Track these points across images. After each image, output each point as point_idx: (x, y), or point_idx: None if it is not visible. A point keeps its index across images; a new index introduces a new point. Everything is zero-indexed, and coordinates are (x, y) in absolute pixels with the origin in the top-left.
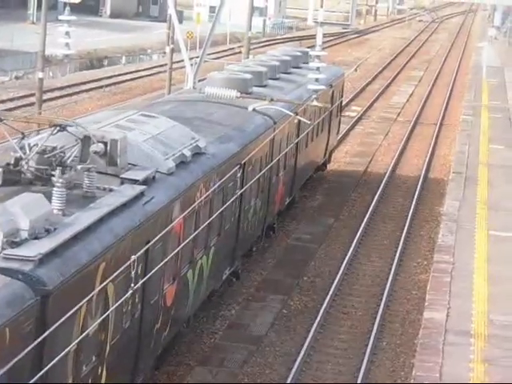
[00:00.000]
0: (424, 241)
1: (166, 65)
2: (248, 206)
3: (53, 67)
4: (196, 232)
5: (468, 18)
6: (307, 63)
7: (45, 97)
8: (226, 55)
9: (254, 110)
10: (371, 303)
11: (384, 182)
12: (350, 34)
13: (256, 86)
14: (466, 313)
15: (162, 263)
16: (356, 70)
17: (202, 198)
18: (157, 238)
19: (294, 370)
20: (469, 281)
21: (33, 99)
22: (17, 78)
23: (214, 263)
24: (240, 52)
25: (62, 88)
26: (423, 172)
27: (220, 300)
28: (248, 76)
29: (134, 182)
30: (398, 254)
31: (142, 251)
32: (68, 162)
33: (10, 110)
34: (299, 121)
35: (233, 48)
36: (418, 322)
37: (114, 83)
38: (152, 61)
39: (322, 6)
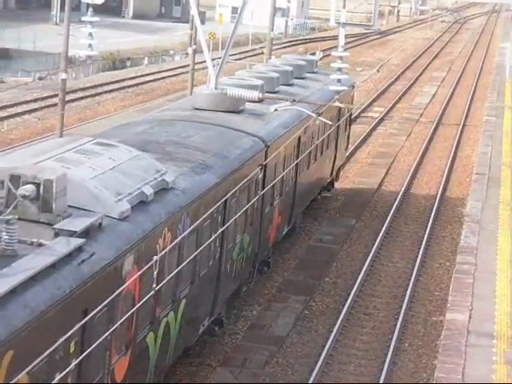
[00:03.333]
0: (446, 242)
1: (188, 66)
2: (232, 244)
3: (76, 68)
4: (158, 286)
5: (491, 18)
6: (314, 72)
7: (68, 98)
8: (249, 56)
9: (275, 110)
10: (393, 304)
11: (406, 182)
12: (373, 35)
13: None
14: (489, 314)
15: (106, 334)
16: (378, 70)
17: (167, 244)
18: (98, 306)
19: (315, 371)
20: (491, 282)
21: (56, 100)
22: (40, 78)
23: (185, 318)
24: (262, 53)
25: (84, 89)
26: (446, 173)
27: (242, 301)
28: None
29: (71, 233)
30: (420, 255)
31: (75, 327)
32: None
33: (34, 110)
34: (299, 139)
35: (255, 49)
36: (440, 324)
37: (137, 84)
38: (174, 62)
39: (344, 7)
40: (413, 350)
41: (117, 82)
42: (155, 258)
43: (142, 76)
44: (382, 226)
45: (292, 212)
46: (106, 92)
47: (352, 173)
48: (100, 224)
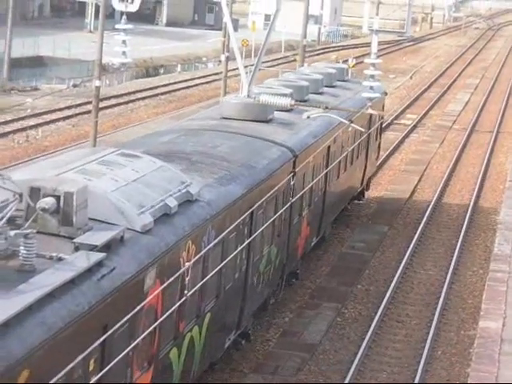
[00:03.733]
0: (480, 249)
1: (221, 73)
2: (259, 256)
3: (109, 75)
4: (182, 300)
5: None
6: (344, 80)
7: (101, 105)
8: (281, 63)
9: (308, 117)
10: (426, 312)
11: (439, 190)
12: (406, 42)
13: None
14: None
15: (126, 350)
16: (411, 77)
17: (191, 258)
18: (119, 322)
19: (347, 378)
20: None
21: (89, 107)
22: (74, 86)
23: (210, 332)
24: (295, 60)
25: (118, 96)
26: (479, 180)
27: (274, 308)
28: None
29: (92, 247)
30: (453, 263)
31: (95, 344)
32: None
33: (68, 117)
34: (329, 149)
35: (288, 56)
36: (473, 332)
37: (170, 91)
38: (207, 69)
39: (377, 14)
40: (446, 358)
41: (150, 89)
42: (179, 272)
43: (175, 83)
44: (415, 233)
45: (321, 223)
46: (139, 99)
47: (385, 180)
48: (122, 237)
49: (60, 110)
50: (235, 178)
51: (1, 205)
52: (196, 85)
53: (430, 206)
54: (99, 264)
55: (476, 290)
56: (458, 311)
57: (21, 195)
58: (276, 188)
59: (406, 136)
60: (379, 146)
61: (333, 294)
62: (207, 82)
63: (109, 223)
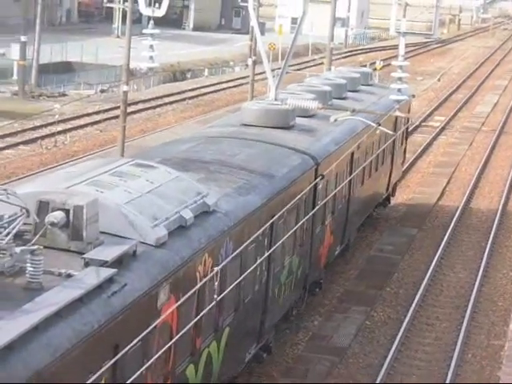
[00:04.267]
0: (510, 252)
1: (248, 77)
2: (280, 267)
3: (137, 80)
4: (198, 317)
5: None
6: (369, 85)
7: (129, 109)
8: (308, 66)
9: (335, 120)
10: (456, 314)
11: (468, 192)
12: (433, 44)
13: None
14: None
15: (140, 370)
16: (439, 79)
17: (207, 271)
18: (131, 341)
19: (377, 381)
20: None
21: (117, 112)
22: (102, 91)
23: (229, 347)
24: (322, 63)
25: (145, 101)
26: (508, 182)
27: (303, 311)
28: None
29: (102, 263)
30: (483, 265)
31: (105, 366)
32: (4, 241)
33: (96, 122)
34: (352, 155)
35: (315, 59)
36: (503, 334)
37: (197, 95)
38: (234, 73)
39: (404, 16)
40: (476, 361)
41: (177, 93)
42: (195, 286)
43: (202, 87)
44: (444, 235)
45: (345, 231)
46: (166, 104)
47: (413, 182)
48: (134, 252)
49: (88, 115)
50: (254, 187)
51: (8, 220)
52: (223, 89)
53: (459, 209)
54: (110, 280)
55: (506, 293)
56: (488, 314)
57: (27, 210)
58: (297, 197)
59: (434, 138)
60: (405, 151)
61: (361, 297)
62: (234, 86)
63: (121, 237)
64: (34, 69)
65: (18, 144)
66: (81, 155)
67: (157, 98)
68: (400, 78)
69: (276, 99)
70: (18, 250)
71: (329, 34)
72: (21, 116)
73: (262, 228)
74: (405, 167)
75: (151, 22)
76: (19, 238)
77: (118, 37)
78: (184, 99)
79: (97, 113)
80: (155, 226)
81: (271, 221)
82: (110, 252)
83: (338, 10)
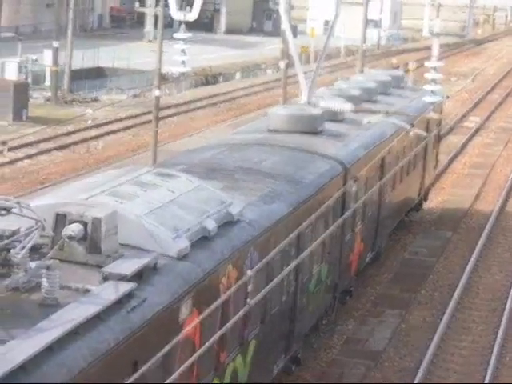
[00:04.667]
0: None
1: (280, 80)
2: (308, 276)
3: (169, 85)
4: (221, 331)
5: None
6: (400, 88)
7: (161, 114)
8: (340, 69)
9: (369, 122)
10: (492, 317)
11: (504, 193)
12: (467, 44)
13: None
14: None
15: None
16: (473, 80)
17: (232, 283)
18: (151, 358)
19: None
20: None
21: (149, 117)
22: (134, 96)
23: (255, 361)
24: (354, 65)
25: (177, 105)
26: None
27: (337, 315)
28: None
29: (121, 277)
30: None
31: None
32: (19, 255)
33: (128, 127)
34: (383, 160)
35: (347, 61)
36: None
37: (229, 99)
38: (266, 76)
39: (437, 17)
40: None
41: (209, 97)
42: (218, 299)
43: (234, 91)
44: (479, 237)
45: (376, 237)
46: (198, 108)
47: (448, 184)
48: (155, 265)
49: (120, 120)
50: (280, 195)
51: (23, 234)
52: (255, 92)
53: (495, 210)
54: (129, 295)
55: None
56: None
57: (42, 223)
58: (325, 204)
59: (469, 139)
60: (437, 155)
61: (396, 300)
62: (266, 90)
63: (141, 249)
64: (67, 74)
65: (50, 150)
66: (113, 160)
67: (189, 102)
68: (433, 79)
69: (309, 102)
70: (32, 264)
71: (361, 36)
72: (53, 122)
73: (289, 237)
74: (439, 169)
75: (183, 26)
76: (36, 251)
77: (149, 41)
78: (216, 103)
79: (129, 118)
80: (177, 238)
81: (298, 229)
82: (130, 265)
83: (371, 11)
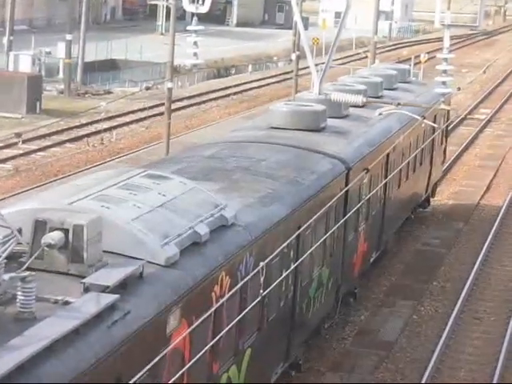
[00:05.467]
0: None
1: (292, 71)
2: (308, 280)
3: (181, 77)
4: (214, 340)
5: None
6: (407, 82)
7: (174, 106)
8: (352, 60)
9: (380, 114)
10: (503, 308)
11: None
12: (478, 36)
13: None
14: None
15: None
16: (484, 72)
17: (225, 291)
18: (135, 372)
19: (425, 376)
20: None
21: (162, 109)
22: (147, 88)
23: (251, 370)
24: (366, 57)
25: (190, 97)
26: None
27: (349, 306)
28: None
29: (103, 288)
30: None
31: None
32: None
33: (141, 119)
34: (388, 157)
35: (359, 53)
36: None
37: (241, 91)
38: (278, 68)
39: (449, 8)
40: None
41: (222, 89)
42: (210, 308)
43: (247, 83)
44: (491, 228)
45: (381, 236)
46: (211, 100)
47: (459, 175)
48: (141, 274)
49: (133, 112)
50: (279, 196)
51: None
52: (267, 84)
53: (506, 201)
54: (111, 307)
55: None
56: None
57: (19, 231)
58: (327, 204)
59: (480, 131)
60: (445, 150)
61: (408, 291)
62: (278, 81)
63: (128, 257)
64: (80, 67)
65: (64, 142)
66: (126, 152)
67: (201, 94)
68: (445, 71)
69: (320, 93)
70: (6, 276)
71: (373, 28)
72: (67, 114)
73: (288, 240)
74: (450, 160)
75: (195, 18)
76: (15, 260)
77: (162, 34)
78: (228, 95)
79: (142, 110)
80: (165, 244)
81: (298, 232)
82: (113, 275)
83: (382, 3)
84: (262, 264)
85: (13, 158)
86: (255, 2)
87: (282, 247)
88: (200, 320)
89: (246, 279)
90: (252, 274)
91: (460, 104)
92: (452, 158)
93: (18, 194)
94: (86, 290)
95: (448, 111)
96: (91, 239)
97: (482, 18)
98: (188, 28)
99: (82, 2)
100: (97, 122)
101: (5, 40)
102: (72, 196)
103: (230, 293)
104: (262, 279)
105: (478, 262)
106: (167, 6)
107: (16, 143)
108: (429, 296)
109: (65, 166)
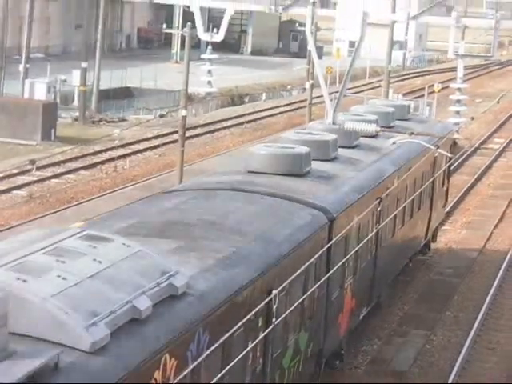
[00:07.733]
0: None
1: (305, 100)
2: (281, 350)
3: (195, 105)
4: None
5: None
6: (405, 119)
7: (187, 134)
8: (366, 89)
9: (394, 143)
10: None
11: None
12: (492, 66)
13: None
14: None
15: None
16: (498, 101)
17: (169, 378)
18: None
19: None
20: None
21: (176, 136)
22: (161, 116)
23: None
24: (379, 86)
25: (204, 125)
26: None
27: (362, 335)
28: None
29: None
30: None
31: None
32: None
33: (155, 147)
34: (380, 202)
35: (372, 82)
36: None
37: (255, 119)
38: (292, 97)
39: (463, 39)
40: None
41: (235, 117)
42: None
43: (260, 111)
44: (505, 258)
45: (372, 290)
46: (224, 128)
47: (473, 205)
48: (56, 364)
49: (147, 139)
50: (246, 256)
51: None
52: (281, 112)
53: None
54: None
55: None
56: None
57: None
58: (305, 263)
59: (494, 160)
60: (447, 192)
61: (421, 320)
62: (292, 110)
63: (46, 341)
64: (95, 94)
65: (78, 169)
66: (140, 179)
67: (215, 122)
68: (458, 101)
69: (334, 122)
70: None
71: (387, 57)
72: (81, 141)
73: (255, 309)
74: (463, 190)
75: (209, 47)
76: None
77: (176, 62)
78: (242, 123)
79: (156, 137)
80: (92, 325)
81: (269, 297)
82: (20, 367)
83: (396, 32)
84: (274, 292)
85: (27, 184)
86: (270, 31)
87: (247, 317)
88: None
89: (198, 361)
90: (206, 353)
91: (474, 133)
92: (465, 188)
93: (32, 220)
94: None
95: (451, 147)
96: None
97: (495, 48)
98: (202, 56)
99: (97, 29)
100: (111, 149)
101: (21, 67)
102: None
103: (178, 379)
104: (274, 308)
105: (491, 292)
106: (182, 35)
107: (30, 170)
108: (442, 326)
109: (79, 192)
